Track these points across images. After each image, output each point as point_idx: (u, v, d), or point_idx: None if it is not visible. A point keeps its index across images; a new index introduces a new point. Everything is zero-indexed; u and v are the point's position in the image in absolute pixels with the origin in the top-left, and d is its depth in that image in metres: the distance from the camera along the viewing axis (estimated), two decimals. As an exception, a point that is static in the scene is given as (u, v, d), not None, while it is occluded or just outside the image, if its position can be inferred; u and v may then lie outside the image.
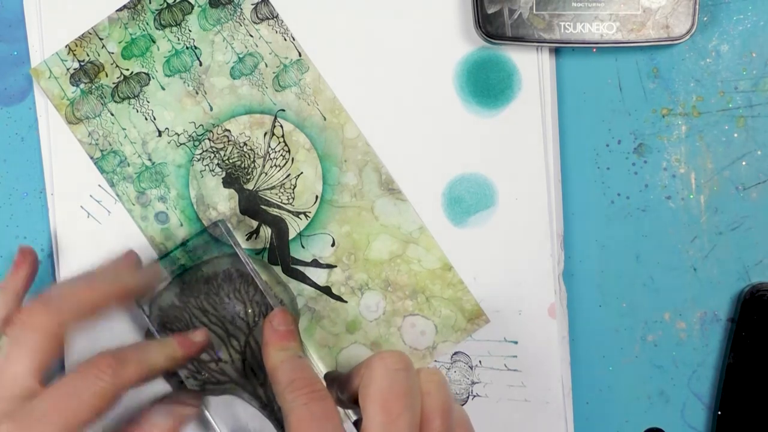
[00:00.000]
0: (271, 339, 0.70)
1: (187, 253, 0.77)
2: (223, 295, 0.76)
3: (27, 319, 0.67)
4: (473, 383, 0.79)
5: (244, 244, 0.79)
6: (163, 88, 0.79)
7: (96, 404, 0.66)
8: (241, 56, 0.79)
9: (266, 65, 0.78)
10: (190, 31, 0.79)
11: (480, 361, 0.79)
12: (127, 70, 0.79)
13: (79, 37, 0.78)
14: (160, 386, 0.78)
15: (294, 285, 0.79)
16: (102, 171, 0.79)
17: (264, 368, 0.71)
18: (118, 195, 0.79)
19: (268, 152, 0.79)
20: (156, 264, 0.76)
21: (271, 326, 0.71)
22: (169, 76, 0.79)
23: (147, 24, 0.78)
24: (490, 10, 0.75)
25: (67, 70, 0.78)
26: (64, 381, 0.66)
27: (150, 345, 0.71)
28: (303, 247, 0.79)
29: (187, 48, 0.79)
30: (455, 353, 0.79)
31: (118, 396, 0.67)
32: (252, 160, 0.79)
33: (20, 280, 0.74)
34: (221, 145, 0.79)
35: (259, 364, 0.75)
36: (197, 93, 0.78)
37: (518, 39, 0.76)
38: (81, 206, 0.79)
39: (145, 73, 0.79)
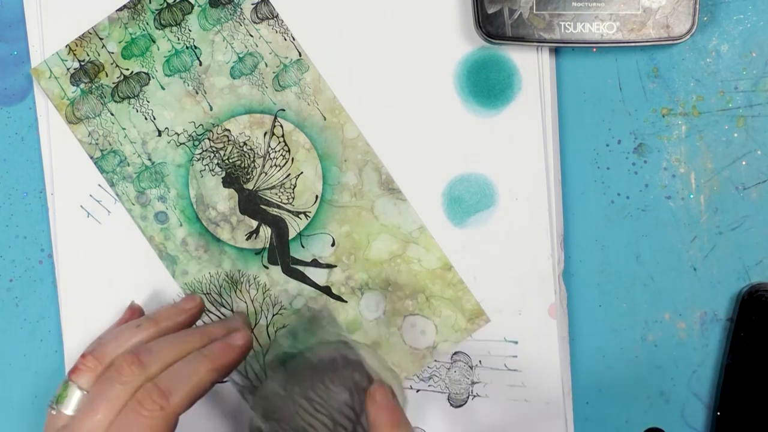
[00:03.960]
0: (379, 418, 0.68)
1: (290, 340, 0.76)
2: (328, 383, 0.73)
3: (116, 374, 0.67)
4: (473, 383, 0.79)
5: (243, 244, 0.79)
6: (163, 88, 0.79)
7: None
8: (241, 56, 0.79)
9: (266, 65, 0.78)
10: (190, 30, 0.79)
11: (480, 361, 0.79)
12: (127, 69, 0.79)
13: (80, 36, 0.78)
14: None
15: (294, 285, 0.79)
16: (102, 171, 0.79)
17: None
18: (117, 195, 0.79)
19: (268, 152, 0.79)
20: (240, 319, 0.76)
21: (375, 402, 0.68)
22: (169, 75, 0.79)
23: (147, 24, 0.78)
24: (491, 10, 0.75)
25: (68, 69, 0.78)
26: (117, 426, 0.66)
27: (191, 362, 0.69)
28: (303, 246, 0.79)
29: (187, 48, 0.79)
30: (455, 353, 0.79)
31: (172, 425, 0.67)
32: (252, 159, 0.79)
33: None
34: (221, 145, 0.79)
35: None
36: (197, 93, 0.78)
37: (518, 39, 0.76)
38: (81, 206, 0.79)
39: (145, 72, 0.79)
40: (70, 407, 0.68)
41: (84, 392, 0.68)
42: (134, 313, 0.76)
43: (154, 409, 0.65)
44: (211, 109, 0.79)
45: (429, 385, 0.79)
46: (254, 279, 0.79)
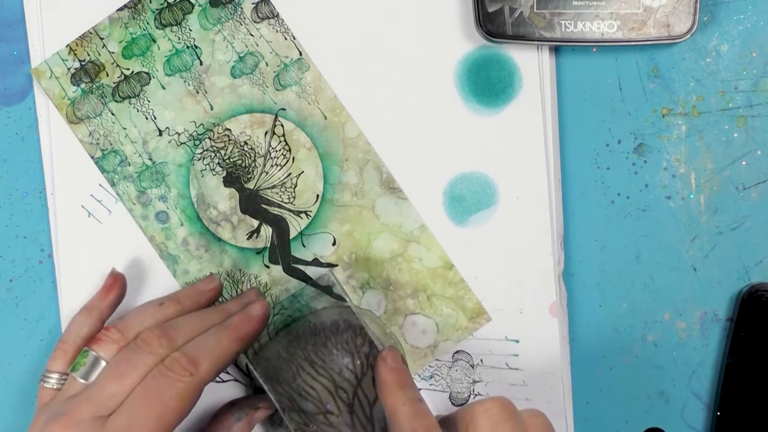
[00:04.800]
0: (389, 377, 0.70)
1: (295, 304, 0.77)
2: (330, 346, 0.75)
3: (144, 345, 0.68)
4: (474, 382, 0.79)
5: (244, 244, 0.79)
6: (164, 88, 0.79)
7: (179, 406, 0.66)
8: (241, 55, 0.79)
9: (267, 64, 0.79)
10: (190, 30, 0.79)
11: (481, 360, 0.79)
12: (128, 69, 0.79)
13: (80, 36, 0.78)
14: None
15: (295, 284, 0.79)
16: (102, 170, 0.79)
17: (372, 420, 0.71)
18: (118, 194, 0.79)
19: (268, 151, 0.79)
20: (254, 293, 0.77)
21: (386, 364, 0.70)
22: (169, 75, 0.79)
23: (147, 23, 0.78)
24: (491, 9, 0.75)
25: (68, 69, 0.78)
26: (143, 387, 0.66)
27: (214, 334, 0.70)
28: (304, 246, 0.79)
29: (187, 47, 0.79)
30: (456, 352, 0.79)
31: (198, 394, 0.68)
32: (253, 159, 0.79)
33: (108, 304, 0.75)
34: (222, 145, 0.79)
35: (367, 416, 0.74)
36: (198, 92, 0.78)
37: (519, 37, 0.76)
38: (81, 206, 0.79)
39: (145, 72, 0.79)
40: (90, 375, 0.69)
41: (105, 362, 0.69)
42: (116, 280, 0.75)
43: (184, 374, 0.66)
44: (211, 108, 0.79)
45: (430, 384, 0.79)
46: (255, 278, 0.79)
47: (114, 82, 0.78)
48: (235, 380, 0.79)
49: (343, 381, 0.74)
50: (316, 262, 0.79)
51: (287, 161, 0.79)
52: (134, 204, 0.79)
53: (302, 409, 0.74)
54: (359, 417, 0.74)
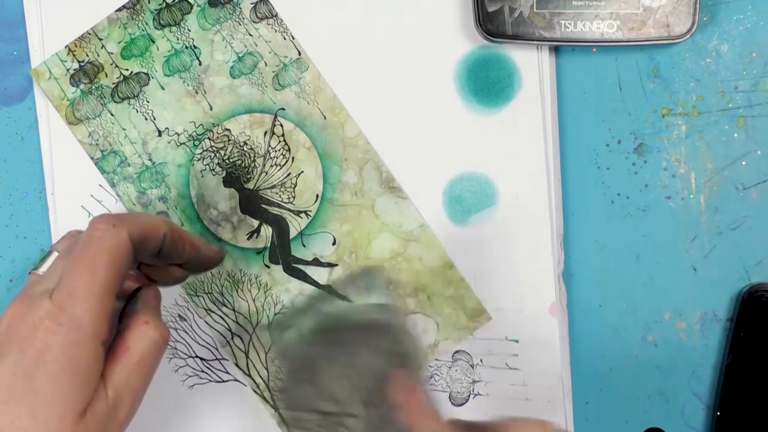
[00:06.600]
0: (407, 402, 0.68)
1: (313, 304, 0.77)
2: (356, 346, 0.75)
3: (90, 227, 0.62)
4: (474, 382, 0.79)
5: (244, 244, 0.79)
6: (163, 88, 0.79)
7: (108, 260, 0.60)
8: (240, 55, 0.79)
9: (266, 64, 0.79)
10: (189, 30, 0.79)
11: (481, 360, 0.79)
12: (127, 70, 0.79)
13: (79, 37, 0.78)
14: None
15: (295, 284, 0.79)
16: (102, 171, 0.79)
17: (394, 424, 0.70)
18: (118, 195, 0.79)
19: (268, 151, 0.79)
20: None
21: (399, 385, 0.69)
22: (168, 75, 0.79)
23: (146, 24, 0.78)
24: (491, 8, 0.75)
25: (67, 70, 0.78)
26: (75, 253, 0.61)
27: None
28: (304, 245, 0.79)
29: (186, 47, 0.79)
30: (456, 351, 0.79)
31: (128, 250, 0.62)
32: (252, 159, 0.79)
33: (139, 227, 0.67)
34: (221, 145, 0.79)
35: (386, 418, 0.74)
36: (197, 92, 0.78)
37: (519, 37, 0.76)
38: (81, 206, 0.79)
39: (144, 73, 0.79)
40: (44, 266, 0.65)
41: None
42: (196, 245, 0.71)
43: (107, 229, 0.61)
44: (211, 108, 0.79)
45: (430, 384, 0.79)
46: (256, 278, 0.79)
47: (113, 83, 0.78)
48: (235, 380, 0.79)
49: (365, 382, 0.74)
50: (316, 262, 0.79)
51: (287, 161, 0.79)
52: (134, 204, 0.79)
53: (322, 409, 0.74)
54: (380, 418, 0.74)
